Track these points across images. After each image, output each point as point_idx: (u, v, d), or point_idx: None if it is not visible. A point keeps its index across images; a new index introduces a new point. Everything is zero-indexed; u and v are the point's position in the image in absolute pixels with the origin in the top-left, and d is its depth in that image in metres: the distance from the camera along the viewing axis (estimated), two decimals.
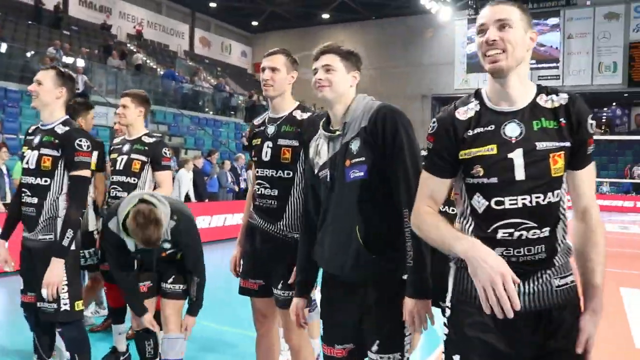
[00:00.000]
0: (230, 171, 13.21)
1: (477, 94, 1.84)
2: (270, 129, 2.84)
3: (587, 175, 1.76)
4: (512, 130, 1.72)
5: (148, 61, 23.07)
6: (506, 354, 1.72)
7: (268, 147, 2.82)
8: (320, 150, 2.30)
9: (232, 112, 22.67)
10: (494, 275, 1.53)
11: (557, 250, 1.72)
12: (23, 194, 3.10)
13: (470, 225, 1.78)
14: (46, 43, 17.78)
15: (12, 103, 13.44)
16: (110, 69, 18.03)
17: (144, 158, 3.72)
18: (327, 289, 2.30)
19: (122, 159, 3.75)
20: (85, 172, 3.07)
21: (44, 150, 3.04)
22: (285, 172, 2.78)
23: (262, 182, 2.85)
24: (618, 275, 7.23)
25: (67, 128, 3.08)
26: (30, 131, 3.25)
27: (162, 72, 21.17)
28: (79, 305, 3.06)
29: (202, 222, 9.90)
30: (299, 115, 2.82)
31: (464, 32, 28.40)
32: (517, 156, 1.69)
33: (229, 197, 12.89)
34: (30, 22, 19.17)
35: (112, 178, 3.79)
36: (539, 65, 26.83)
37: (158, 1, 28.59)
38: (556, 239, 1.72)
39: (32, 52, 16.23)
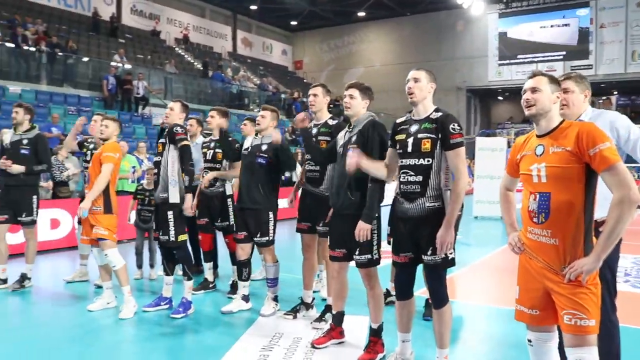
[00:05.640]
0: None
1: (411, 112, 3.48)
2: (313, 131, 4.71)
3: (452, 155, 3.25)
4: (414, 128, 3.39)
5: (195, 63, 24.63)
6: (405, 236, 3.38)
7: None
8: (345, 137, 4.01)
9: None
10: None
11: (428, 188, 3.29)
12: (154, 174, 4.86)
13: (399, 171, 3.41)
14: (105, 52, 19.51)
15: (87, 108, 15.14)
16: (168, 74, 19.69)
17: None
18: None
19: None
20: (186, 142, 4.76)
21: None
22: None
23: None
24: None
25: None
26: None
27: (211, 74, 22.69)
28: (181, 237, 4.86)
29: None
30: (330, 121, 4.66)
31: (495, 25, 29.06)
32: (410, 140, 3.35)
33: None
34: (90, 33, 20.88)
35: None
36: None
37: (202, 6, 30.19)
38: (427, 183, 3.29)
39: (96, 60, 17.99)
